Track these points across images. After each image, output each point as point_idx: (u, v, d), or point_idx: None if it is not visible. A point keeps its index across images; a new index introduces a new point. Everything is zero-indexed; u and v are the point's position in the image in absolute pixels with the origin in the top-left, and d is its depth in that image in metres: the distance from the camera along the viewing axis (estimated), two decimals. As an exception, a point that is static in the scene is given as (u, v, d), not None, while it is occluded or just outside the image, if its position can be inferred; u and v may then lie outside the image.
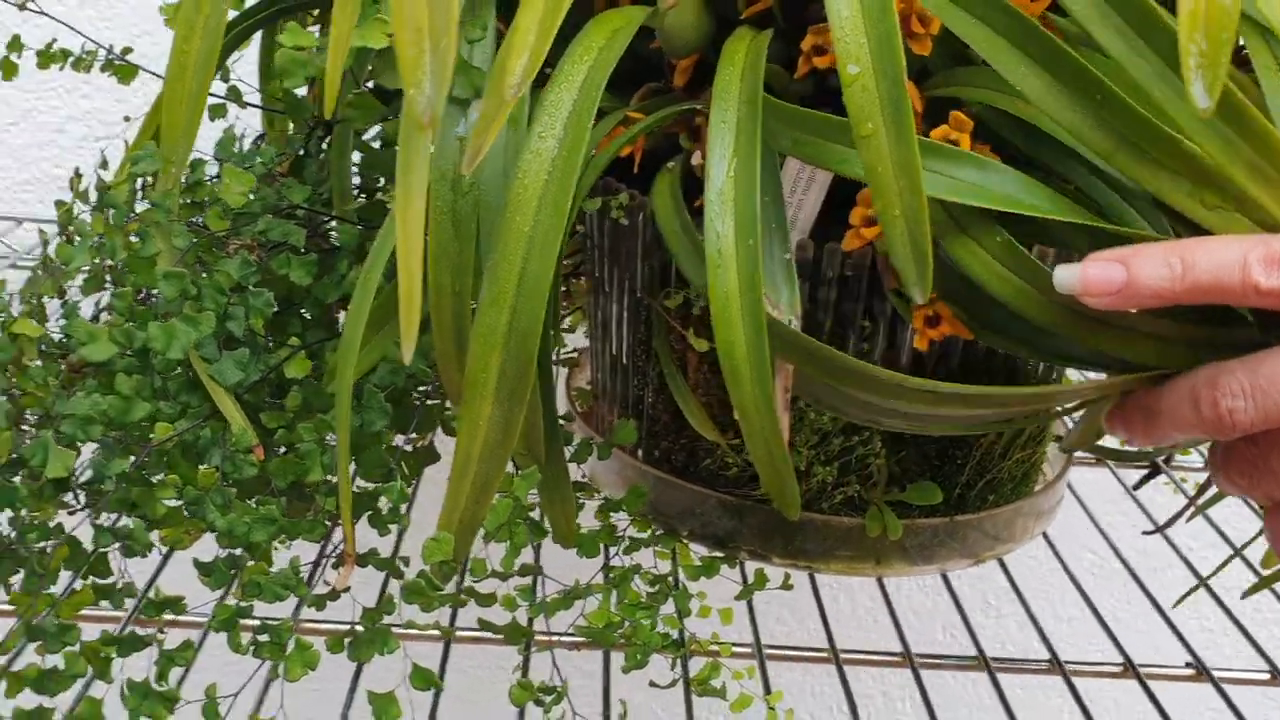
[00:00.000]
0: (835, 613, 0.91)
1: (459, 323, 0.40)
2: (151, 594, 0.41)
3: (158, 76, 0.59)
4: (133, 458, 0.39)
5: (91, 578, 0.40)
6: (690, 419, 0.52)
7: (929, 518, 0.53)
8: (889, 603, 0.60)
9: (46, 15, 0.56)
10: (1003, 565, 0.61)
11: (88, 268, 0.48)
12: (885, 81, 0.37)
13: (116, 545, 0.42)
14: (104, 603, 0.43)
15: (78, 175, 0.51)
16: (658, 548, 0.53)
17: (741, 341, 0.38)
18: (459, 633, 0.49)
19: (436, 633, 0.47)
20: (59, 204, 0.51)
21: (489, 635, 0.47)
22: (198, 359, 0.42)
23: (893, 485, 0.52)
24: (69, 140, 0.94)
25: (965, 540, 0.54)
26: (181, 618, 0.44)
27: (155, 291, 0.43)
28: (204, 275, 0.42)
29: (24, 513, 0.39)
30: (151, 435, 0.41)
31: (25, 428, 0.43)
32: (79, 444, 0.39)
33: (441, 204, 0.37)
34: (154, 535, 0.42)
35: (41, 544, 0.39)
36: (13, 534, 0.41)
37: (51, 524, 0.42)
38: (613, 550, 0.52)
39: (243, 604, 0.40)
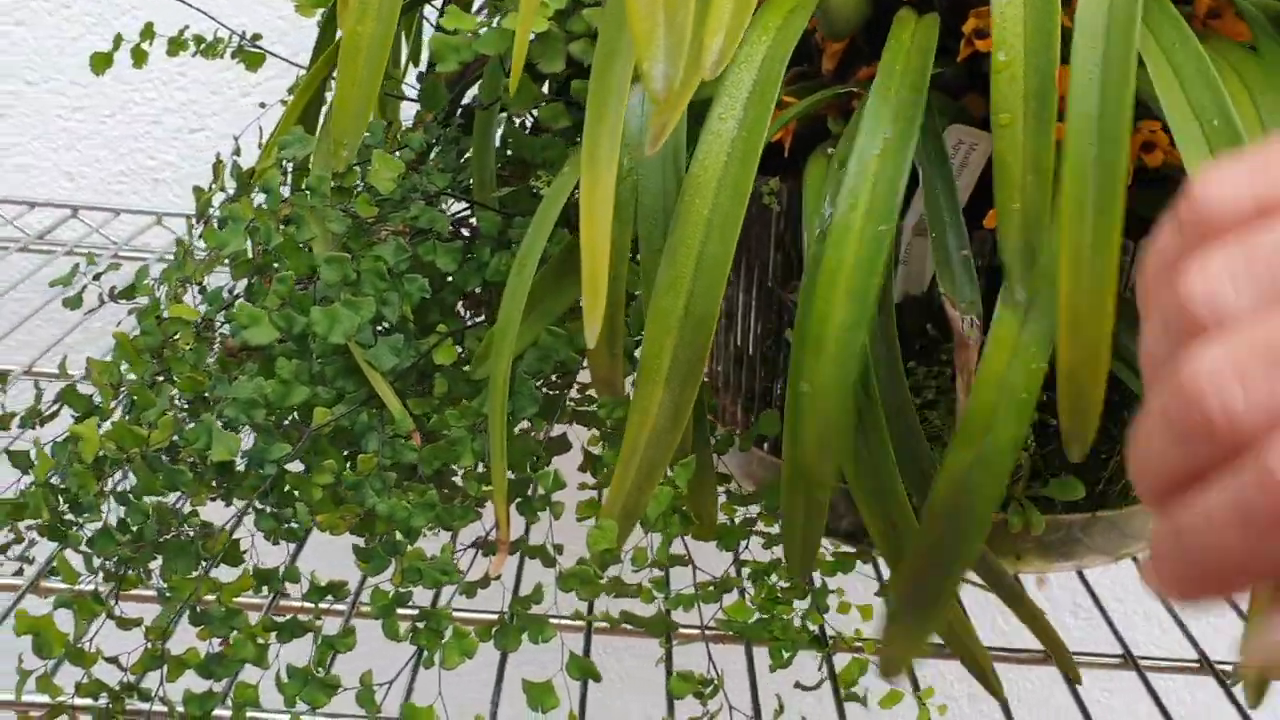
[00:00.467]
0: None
1: (613, 309, 0.40)
2: (310, 579, 0.40)
3: (288, 62, 0.59)
4: (290, 446, 0.38)
5: (252, 564, 0.40)
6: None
7: (1069, 513, 0.52)
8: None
9: (183, 2, 0.55)
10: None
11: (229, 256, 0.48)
12: (1035, 74, 0.36)
13: (259, 533, 0.42)
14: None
15: (220, 161, 0.51)
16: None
17: (839, 317, 0.36)
18: (597, 623, 0.48)
19: (579, 622, 0.46)
20: (197, 190, 0.51)
21: (629, 627, 0.47)
22: (354, 344, 0.41)
23: (1035, 480, 0.51)
24: (164, 132, 0.95)
25: (1105, 537, 0.53)
26: (331, 605, 0.44)
27: (307, 276, 0.43)
28: (361, 259, 0.41)
29: (180, 499, 0.39)
30: (308, 420, 0.40)
31: (180, 414, 0.43)
32: (240, 428, 0.39)
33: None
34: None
35: (199, 530, 0.39)
36: (166, 522, 0.41)
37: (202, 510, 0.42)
38: (742, 544, 0.51)
39: (401, 590, 0.39)
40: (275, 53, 0.57)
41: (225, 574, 0.44)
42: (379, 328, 0.43)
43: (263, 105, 0.59)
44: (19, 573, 0.50)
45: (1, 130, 0.95)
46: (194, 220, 0.50)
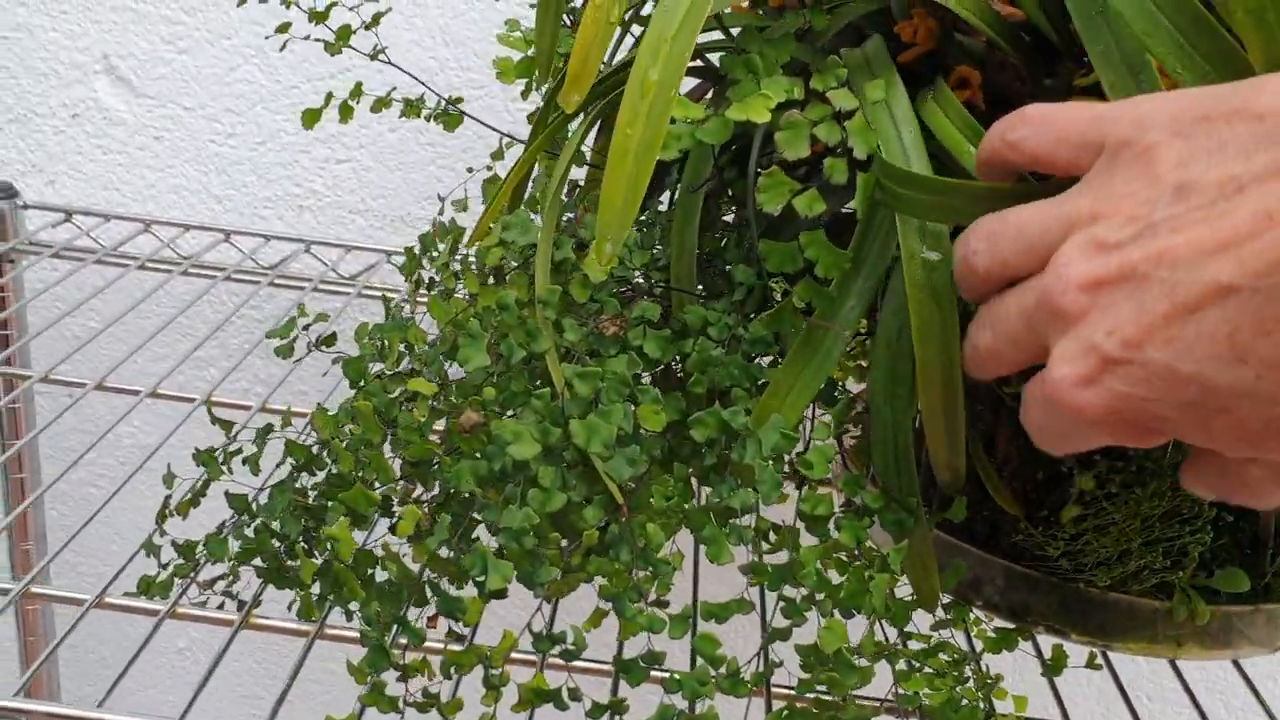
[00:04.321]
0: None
1: (950, 395, 0.42)
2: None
3: (487, 126, 0.62)
4: (557, 568, 0.41)
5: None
6: (993, 493, 0.53)
7: (1233, 604, 0.53)
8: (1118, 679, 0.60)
9: (394, 66, 0.58)
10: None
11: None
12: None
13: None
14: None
15: (440, 229, 0.54)
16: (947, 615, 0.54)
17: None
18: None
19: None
20: (409, 252, 0.54)
21: (797, 695, 0.48)
22: (594, 454, 0.44)
23: (1200, 570, 0.52)
24: (311, 161, 0.98)
25: (1265, 629, 0.54)
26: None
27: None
28: (601, 367, 0.44)
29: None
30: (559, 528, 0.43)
31: (407, 483, 0.45)
32: (514, 555, 0.42)
33: (917, 280, 0.39)
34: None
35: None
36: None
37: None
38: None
39: (665, 704, 0.42)
40: (474, 115, 0.60)
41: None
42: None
43: (470, 170, 0.61)
44: (220, 606, 0.53)
45: (157, 152, 0.99)
46: (408, 279, 0.53)
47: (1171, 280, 0.30)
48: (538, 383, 0.48)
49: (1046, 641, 0.56)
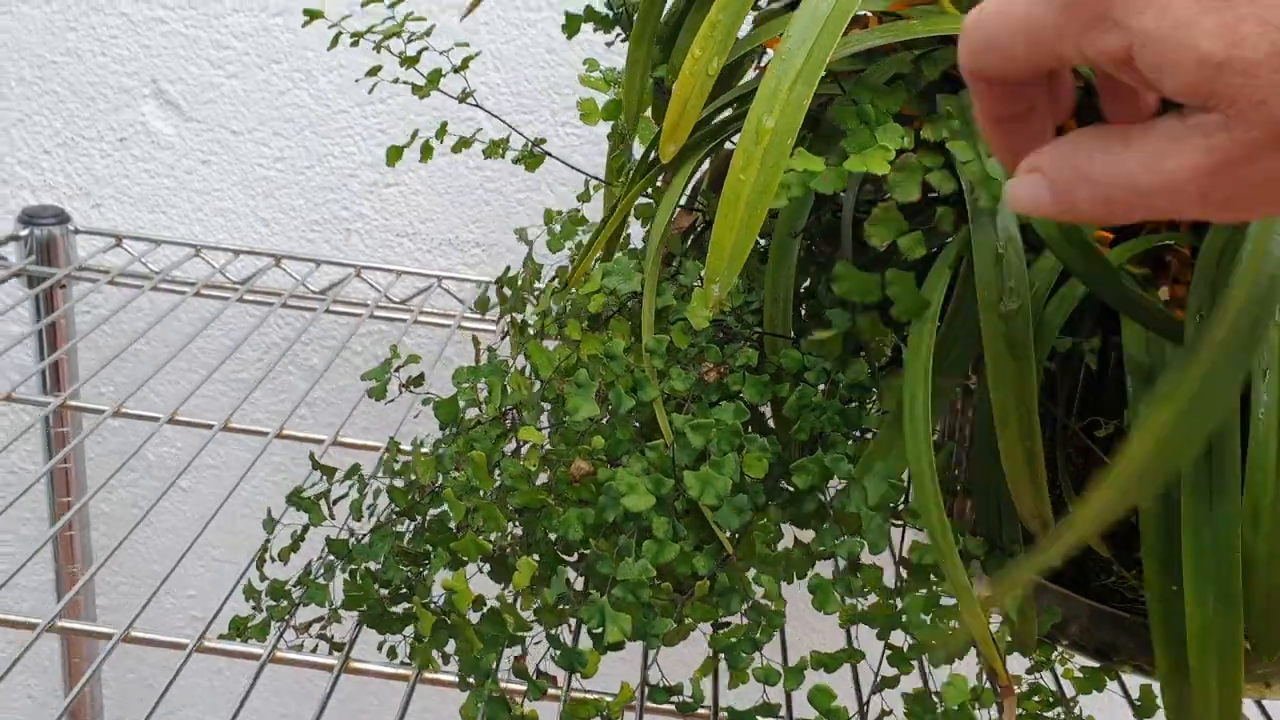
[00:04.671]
0: None
1: (1029, 443, 0.42)
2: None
3: (571, 167, 0.62)
4: (670, 620, 0.41)
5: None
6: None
7: (1321, 645, 0.53)
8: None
9: (482, 108, 0.58)
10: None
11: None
12: None
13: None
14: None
15: (535, 273, 0.54)
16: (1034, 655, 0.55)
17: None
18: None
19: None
20: (502, 296, 0.54)
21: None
22: (703, 504, 0.44)
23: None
24: (359, 185, 0.98)
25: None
26: None
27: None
28: (711, 417, 0.44)
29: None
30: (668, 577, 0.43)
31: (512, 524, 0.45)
32: (629, 606, 0.42)
33: (994, 330, 0.39)
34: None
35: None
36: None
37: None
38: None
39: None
40: (555, 154, 0.60)
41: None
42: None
43: (556, 213, 0.61)
44: (314, 649, 0.53)
45: (205, 176, 0.99)
46: (499, 314, 0.53)
47: None
48: (637, 423, 0.48)
49: (1131, 681, 0.56)
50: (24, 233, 0.91)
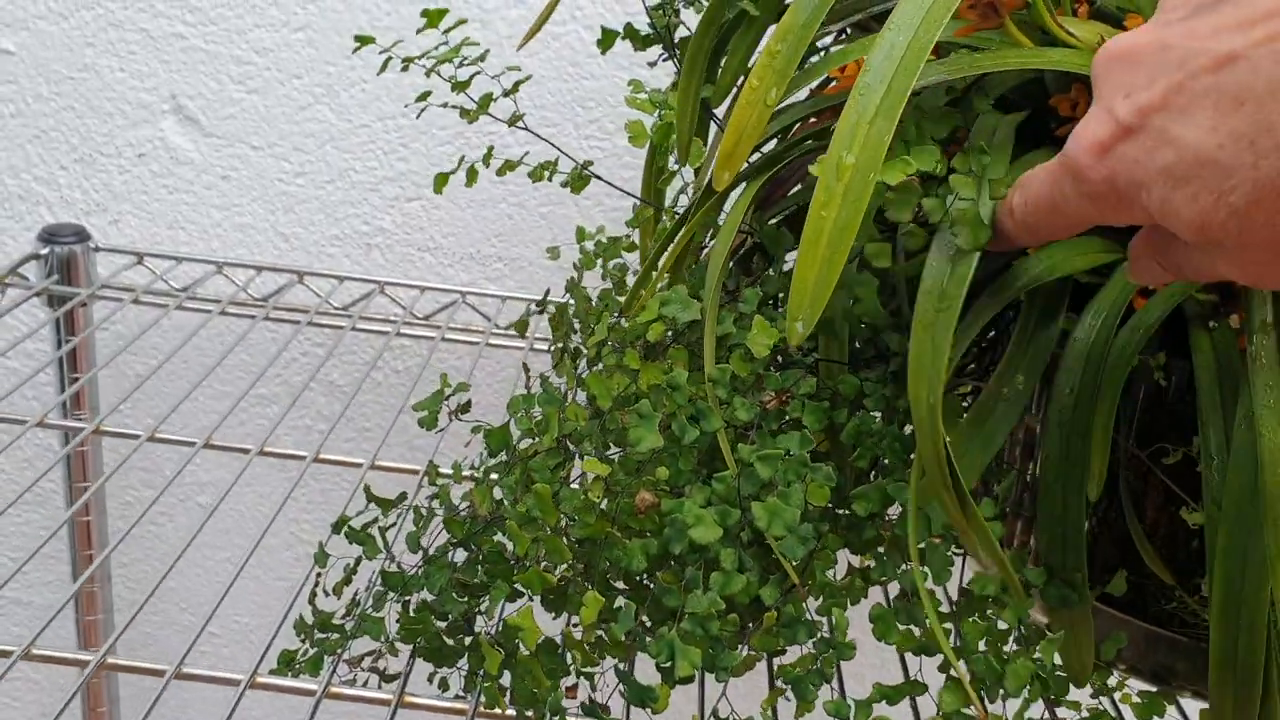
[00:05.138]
0: None
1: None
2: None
3: (617, 189, 0.61)
4: (738, 655, 0.41)
5: None
6: (1148, 561, 0.53)
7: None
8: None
9: (531, 132, 0.58)
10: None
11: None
12: None
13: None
14: None
15: (585, 300, 0.53)
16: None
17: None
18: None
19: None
20: (554, 321, 0.54)
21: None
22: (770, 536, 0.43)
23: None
24: (380, 199, 0.98)
25: None
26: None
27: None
28: (776, 448, 0.44)
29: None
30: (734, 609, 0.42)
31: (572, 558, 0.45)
32: (698, 639, 0.41)
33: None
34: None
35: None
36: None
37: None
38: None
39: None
40: (600, 176, 0.59)
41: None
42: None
43: (606, 240, 0.60)
44: (366, 684, 0.53)
45: (224, 191, 0.98)
46: (555, 345, 0.53)
47: (1188, 50, 0.33)
48: (698, 452, 0.48)
49: (1190, 706, 0.56)
50: (44, 251, 0.91)
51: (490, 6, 0.91)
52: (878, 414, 0.49)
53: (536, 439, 0.50)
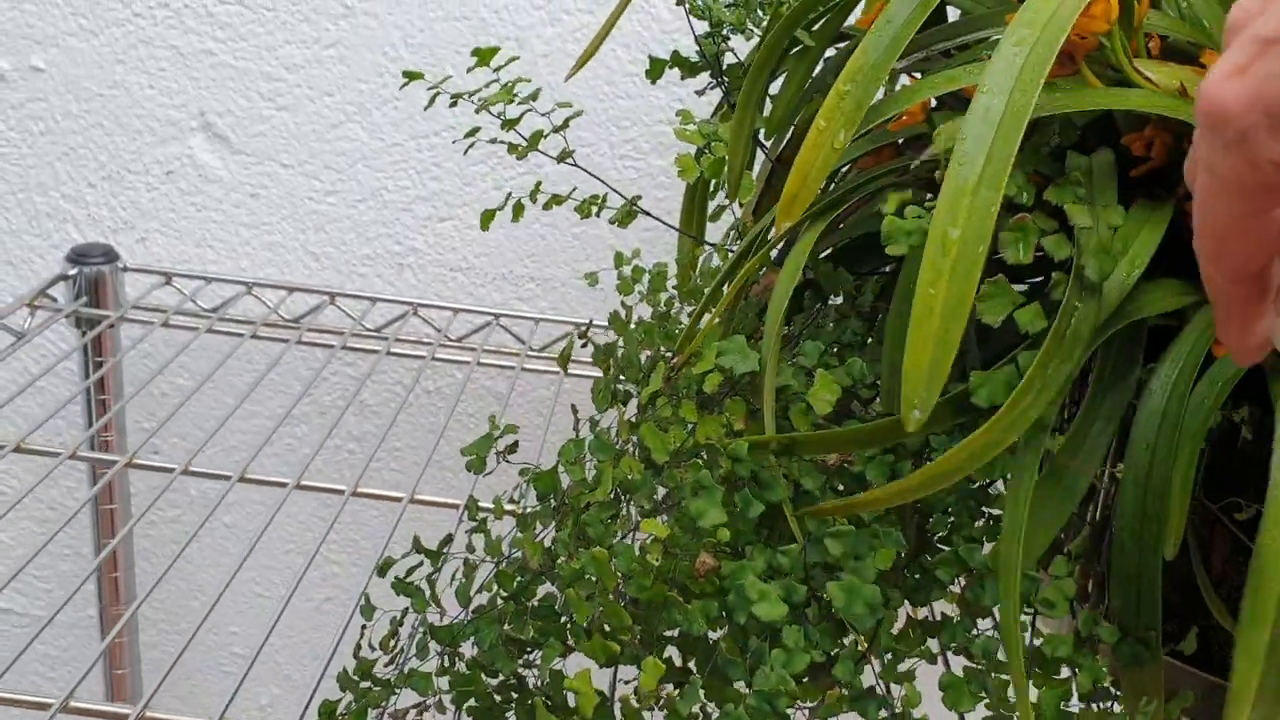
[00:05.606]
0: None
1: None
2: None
3: (669, 225, 0.60)
4: None
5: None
6: (1213, 610, 0.51)
7: None
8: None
9: (579, 167, 0.56)
10: None
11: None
12: None
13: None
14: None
15: (635, 345, 0.52)
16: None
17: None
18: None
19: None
20: (600, 360, 0.52)
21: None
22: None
23: None
24: (413, 219, 0.96)
25: None
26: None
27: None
28: (848, 527, 0.42)
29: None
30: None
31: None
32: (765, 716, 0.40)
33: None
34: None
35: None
36: None
37: None
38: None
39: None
40: (649, 212, 0.58)
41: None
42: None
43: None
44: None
45: (253, 209, 0.97)
46: (598, 394, 0.51)
47: None
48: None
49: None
50: (73, 272, 0.89)
51: (525, 24, 0.90)
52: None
53: (589, 489, 0.49)
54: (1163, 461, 0.44)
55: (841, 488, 0.46)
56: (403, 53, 0.91)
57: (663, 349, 0.55)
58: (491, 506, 0.57)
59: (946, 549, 0.46)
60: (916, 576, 0.46)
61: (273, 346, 0.92)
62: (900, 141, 0.52)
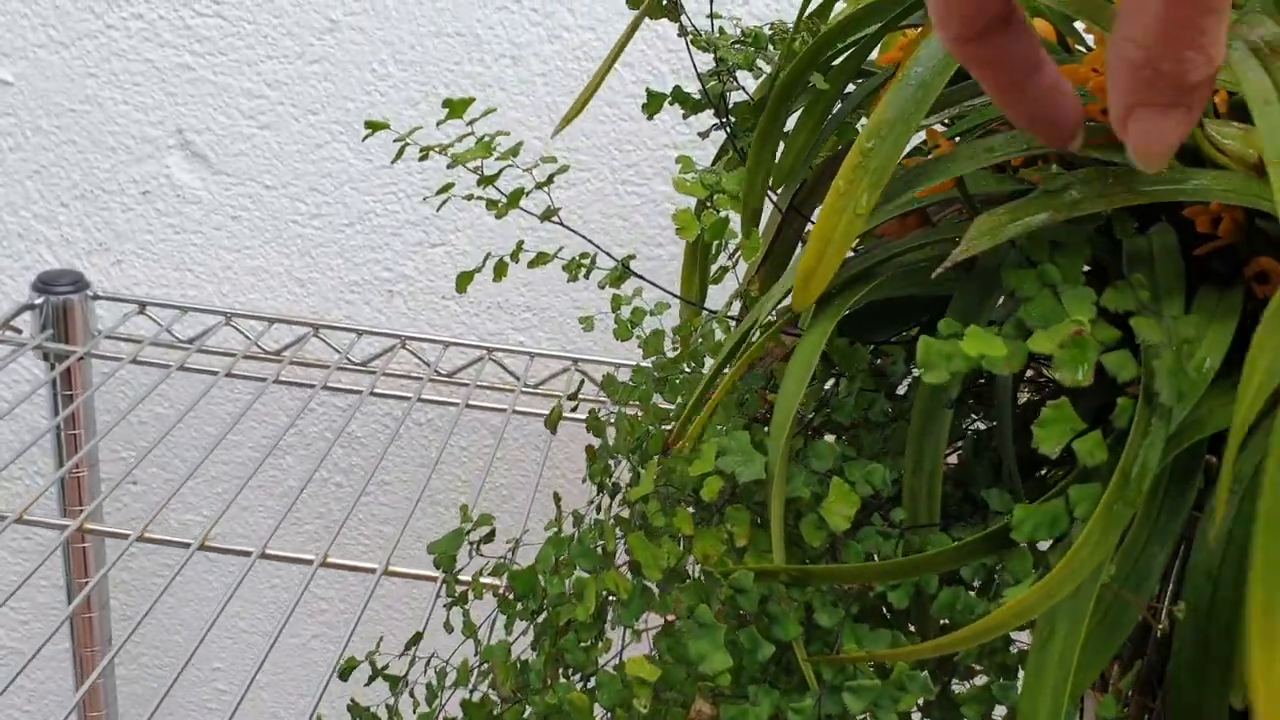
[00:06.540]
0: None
1: None
2: None
3: (666, 291, 0.54)
4: None
5: None
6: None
7: None
8: None
9: (566, 227, 0.50)
10: None
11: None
12: None
13: None
14: None
15: (631, 436, 0.46)
16: None
17: None
18: None
19: None
20: (591, 454, 0.46)
21: None
22: None
23: None
24: (402, 244, 0.90)
25: None
26: None
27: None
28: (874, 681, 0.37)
29: None
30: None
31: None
32: None
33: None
34: None
35: None
36: None
37: None
38: None
39: None
40: (643, 276, 0.52)
41: None
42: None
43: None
44: None
45: (234, 232, 0.91)
46: (593, 479, 0.46)
47: None
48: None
49: None
50: (39, 301, 0.84)
51: (522, 41, 0.84)
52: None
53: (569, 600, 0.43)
54: (1227, 593, 0.39)
55: (862, 624, 0.40)
56: (392, 70, 0.86)
57: (657, 425, 0.49)
58: (469, 581, 0.52)
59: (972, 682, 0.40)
60: (937, 714, 0.41)
61: (251, 387, 0.86)
62: (928, 207, 0.46)
